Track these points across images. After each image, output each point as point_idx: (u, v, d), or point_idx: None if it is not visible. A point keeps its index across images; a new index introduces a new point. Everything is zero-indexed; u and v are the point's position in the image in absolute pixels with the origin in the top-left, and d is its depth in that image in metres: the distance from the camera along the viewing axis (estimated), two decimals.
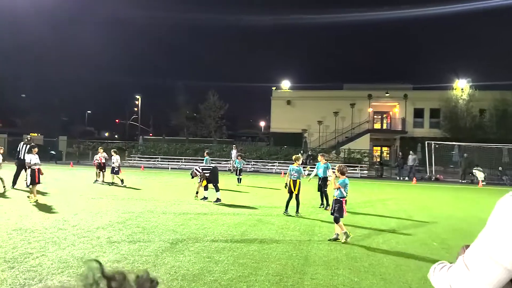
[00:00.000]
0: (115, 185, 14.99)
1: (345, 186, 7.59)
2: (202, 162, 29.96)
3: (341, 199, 7.49)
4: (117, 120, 67.68)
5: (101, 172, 15.96)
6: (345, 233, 7.19)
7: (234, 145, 27.95)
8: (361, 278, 5.17)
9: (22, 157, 12.72)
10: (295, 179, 9.79)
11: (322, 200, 11.31)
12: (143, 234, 7.14)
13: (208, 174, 11.68)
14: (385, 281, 5.10)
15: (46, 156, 26.48)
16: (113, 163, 15.44)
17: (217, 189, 11.62)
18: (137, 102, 56.20)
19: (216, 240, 6.93)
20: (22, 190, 12.37)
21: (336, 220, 7.31)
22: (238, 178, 17.56)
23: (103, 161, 16.04)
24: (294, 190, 9.78)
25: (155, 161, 29.83)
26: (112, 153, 15.69)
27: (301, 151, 30.00)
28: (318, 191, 11.48)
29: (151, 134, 56.29)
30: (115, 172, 15.34)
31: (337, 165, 8.08)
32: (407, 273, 5.49)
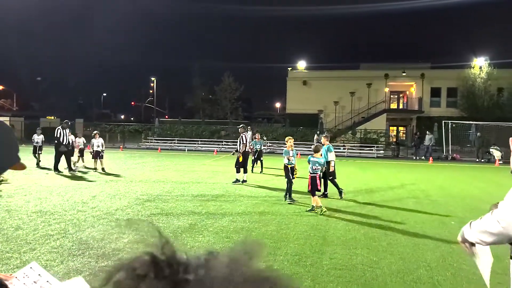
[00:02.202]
0: (97, 172, 13.68)
1: (314, 163, 8.13)
2: (219, 143, 30.38)
3: (314, 175, 7.98)
4: (132, 103, 68.37)
5: (81, 157, 14.96)
6: (320, 207, 7.74)
7: (249, 127, 28.01)
8: (380, 258, 5.21)
9: (64, 141, 13.09)
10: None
11: (325, 188, 9.72)
12: (161, 216, 7.30)
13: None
14: (404, 260, 5.13)
15: None
16: (97, 146, 14.02)
17: (246, 171, 11.80)
18: (152, 85, 56.55)
19: (235, 220, 7.04)
20: (64, 175, 12.72)
21: (312, 194, 7.93)
22: (260, 164, 15.08)
23: (81, 146, 14.93)
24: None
25: (171, 143, 30.12)
26: (95, 136, 14.42)
27: (317, 132, 29.84)
28: (321, 178, 9.82)
29: (166, 116, 56.71)
30: (100, 156, 14.00)
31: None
32: (426, 252, 5.51)
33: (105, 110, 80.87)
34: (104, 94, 75.13)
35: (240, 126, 13.04)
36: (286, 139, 9.62)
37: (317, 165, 8.18)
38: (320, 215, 7.61)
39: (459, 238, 2.01)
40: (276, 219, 7.22)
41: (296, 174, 9.33)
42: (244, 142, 12.05)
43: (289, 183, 8.99)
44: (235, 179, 11.71)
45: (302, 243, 5.79)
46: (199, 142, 29.81)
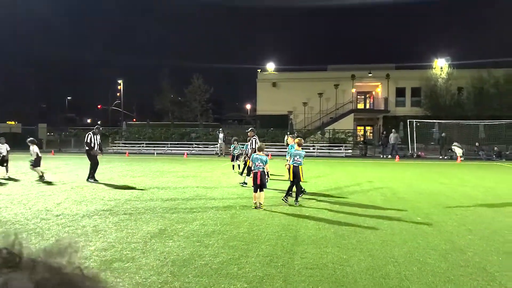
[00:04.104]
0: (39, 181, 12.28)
1: (296, 155, 8.85)
2: (189, 146, 30.06)
3: (256, 171, 8.44)
4: (99, 106, 66.45)
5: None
6: (255, 203, 8.35)
7: (220, 129, 27.88)
8: (350, 255, 5.30)
9: (96, 147, 12.83)
10: (298, 165, 8.87)
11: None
12: (130, 221, 7.12)
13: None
14: (373, 257, 5.23)
15: (25, 145, 25.93)
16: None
17: (249, 174, 11.52)
18: (119, 87, 55.23)
19: (206, 224, 6.97)
20: (103, 183, 12.15)
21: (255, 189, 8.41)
22: (232, 165, 15.71)
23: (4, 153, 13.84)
24: (297, 177, 8.92)
25: (140, 146, 29.54)
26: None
27: (287, 133, 30.09)
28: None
29: (134, 120, 55.56)
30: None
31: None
32: (393, 248, 5.64)
33: (70, 114, 78.28)
34: (69, 98, 72.63)
35: (249, 129, 12.69)
36: (296, 141, 9.33)
37: (298, 157, 8.90)
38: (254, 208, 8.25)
39: None
40: (247, 221, 7.21)
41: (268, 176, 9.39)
42: (254, 146, 11.62)
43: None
44: (243, 181, 11.53)
45: (274, 244, 5.80)
46: (169, 145, 29.39)
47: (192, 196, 9.90)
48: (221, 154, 25.97)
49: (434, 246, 5.74)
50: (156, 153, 27.61)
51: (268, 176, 9.94)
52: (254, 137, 12.04)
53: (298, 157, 8.93)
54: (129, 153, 26.77)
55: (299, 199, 8.94)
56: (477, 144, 26.32)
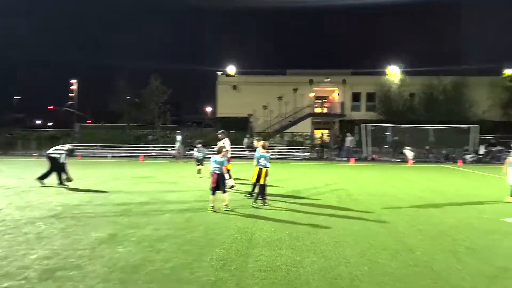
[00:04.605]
0: None
1: (265, 157, 9.03)
2: (145, 149, 29.23)
3: (214, 174, 8.41)
4: (51, 107, 63.29)
5: None
6: (212, 206, 8.26)
7: (178, 131, 27.38)
8: (303, 257, 5.31)
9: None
10: (263, 166, 9.04)
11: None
12: (78, 227, 6.76)
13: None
14: (326, 258, 5.28)
15: None
16: None
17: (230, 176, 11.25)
18: (72, 88, 52.95)
19: (159, 228, 6.75)
20: (52, 187, 11.17)
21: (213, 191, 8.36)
22: (198, 169, 14.74)
23: None
24: (262, 178, 8.96)
25: (93, 149, 28.40)
26: None
27: (247, 135, 30.15)
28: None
29: (89, 121, 53.43)
30: None
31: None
32: (346, 248, 5.73)
33: (19, 114, 73.95)
34: (17, 98, 68.54)
35: (220, 132, 12.22)
36: (261, 144, 9.47)
37: (263, 159, 9.04)
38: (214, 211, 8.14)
39: None
40: (202, 225, 7.07)
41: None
42: (228, 148, 11.42)
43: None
44: (229, 186, 11.04)
45: (228, 247, 5.71)
46: (124, 148, 28.48)
47: (146, 200, 9.60)
48: (179, 157, 25.51)
49: (385, 246, 5.89)
50: (111, 156, 26.66)
51: (229, 177, 9.97)
52: (225, 139, 11.90)
53: (263, 159, 9.08)
54: (81, 156, 25.64)
55: (257, 201, 8.99)
56: (427, 147, 27.67)
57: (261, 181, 9.10)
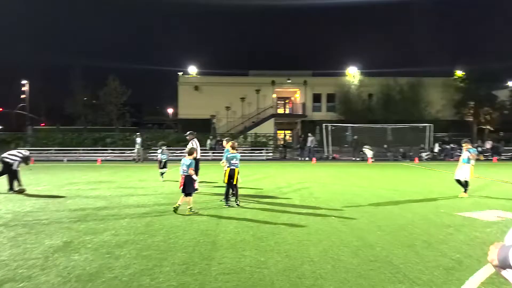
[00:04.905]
0: None
1: (232, 158, 9.06)
2: (103, 152, 28.23)
3: (188, 174, 8.27)
4: (0, 109, 59.76)
5: None
6: (177, 206, 8.18)
7: (138, 133, 26.69)
8: (267, 257, 5.28)
9: None
10: (235, 167, 9.04)
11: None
12: (30, 235, 6.37)
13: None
14: (290, 258, 5.27)
15: None
16: None
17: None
18: (24, 89, 50.30)
19: (118, 234, 6.50)
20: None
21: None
22: (161, 173, 14.12)
23: None
24: (234, 179, 9.02)
25: (48, 153, 27.10)
26: None
27: (210, 137, 29.91)
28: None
29: (43, 124, 50.98)
30: None
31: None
32: (309, 247, 5.76)
33: None
34: None
35: (188, 132, 11.91)
36: (230, 145, 9.36)
37: (234, 160, 9.05)
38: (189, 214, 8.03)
39: (495, 262, 1.66)
40: (164, 229, 6.87)
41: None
42: (198, 149, 11.15)
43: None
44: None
45: (191, 251, 5.58)
46: (81, 151, 27.41)
47: (104, 205, 9.23)
48: (139, 160, 24.86)
49: (347, 243, 5.98)
50: (67, 160, 25.55)
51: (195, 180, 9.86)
52: (194, 140, 11.67)
53: (235, 159, 9.08)
54: (34, 160, 24.34)
55: (232, 199, 9.17)
56: (385, 146, 28.65)
57: (234, 182, 9.08)
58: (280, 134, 41.92)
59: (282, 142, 36.59)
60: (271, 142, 31.54)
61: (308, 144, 27.64)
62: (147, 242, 6.01)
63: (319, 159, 26.89)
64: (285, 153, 29.59)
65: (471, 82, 35.30)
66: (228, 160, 9.16)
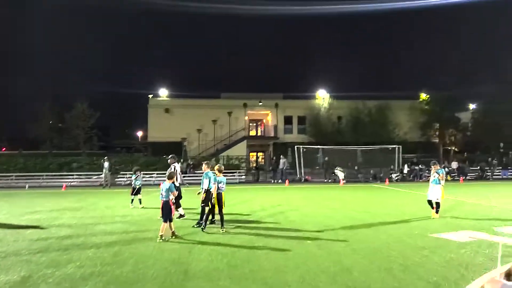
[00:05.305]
0: None
1: (220, 181, 8.83)
2: (69, 177, 27.11)
3: (167, 200, 8.06)
4: None
5: None
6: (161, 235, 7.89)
7: (105, 157, 25.87)
8: (242, 286, 5.05)
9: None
10: (221, 191, 8.83)
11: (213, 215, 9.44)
12: None
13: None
14: (267, 285, 5.07)
15: None
16: None
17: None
18: None
19: (83, 265, 6.08)
20: None
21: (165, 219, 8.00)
22: (139, 199, 13.34)
23: None
24: (221, 204, 8.78)
25: (7, 179, 25.77)
26: None
27: (181, 160, 29.37)
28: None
29: (4, 149, 48.75)
30: None
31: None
32: (287, 274, 5.57)
33: None
34: None
35: (170, 156, 11.74)
36: (216, 168, 9.14)
37: (222, 184, 8.84)
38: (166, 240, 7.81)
39: None
40: (133, 258, 6.50)
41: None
42: (179, 173, 11.14)
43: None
44: (178, 215, 10.51)
45: (162, 281, 5.26)
46: (44, 177, 26.23)
47: (69, 234, 8.71)
48: (107, 185, 23.99)
49: (324, 269, 5.83)
50: (28, 186, 24.33)
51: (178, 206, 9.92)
52: (174, 164, 11.37)
53: (222, 184, 8.87)
54: None
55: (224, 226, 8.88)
56: (356, 167, 29.05)
57: (223, 206, 8.89)
58: (253, 156, 41.86)
59: (254, 165, 36.46)
60: (243, 165, 31.35)
61: (281, 166, 27.66)
62: (114, 273, 5.64)
63: (292, 181, 26.89)
64: (258, 175, 29.44)
65: (435, 105, 36.69)
66: (216, 183, 8.83)
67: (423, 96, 38.77)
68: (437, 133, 37.80)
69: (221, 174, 9.00)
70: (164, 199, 8.04)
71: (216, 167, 9.19)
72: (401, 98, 39.39)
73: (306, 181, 27.84)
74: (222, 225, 8.83)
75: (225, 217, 9.02)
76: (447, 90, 35.64)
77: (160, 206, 8.10)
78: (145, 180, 26.61)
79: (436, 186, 10.72)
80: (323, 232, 8.67)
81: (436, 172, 10.79)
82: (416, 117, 37.18)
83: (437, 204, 10.65)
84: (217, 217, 9.27)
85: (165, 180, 8.51)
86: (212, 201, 8.91)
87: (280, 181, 26.85)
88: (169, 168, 11.20)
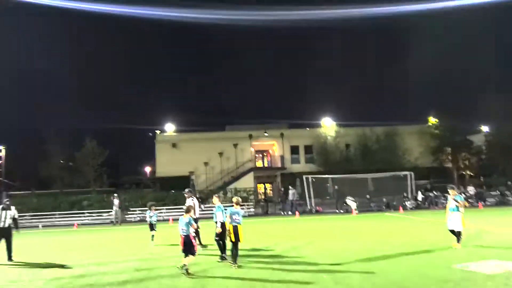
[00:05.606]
0: None
1: (234, 213, 8.70)
2: (80, 215, 26.99)
3: (187, 234, 8.01)
4: None
5: None
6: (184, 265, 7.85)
7: (115, 194, 25.91)
8: None
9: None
10: (237, 224, 8.62)
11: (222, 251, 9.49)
12: None
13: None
14: None
15: None
16: None
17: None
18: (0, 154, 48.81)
19: None
20: None
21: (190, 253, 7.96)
22: (151, 235, 13.08)
23: None
24: (237, 237, 8.56)
25: (22, 219, 25.78)
26: None
27: (197, 195, 29.22)
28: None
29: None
30: None
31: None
32: None
33: None
34: None
35: (187, 190, 11.74)
36: (234, 200, 9.17)
37: (236, 216, 8.67)
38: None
39: None
40: None
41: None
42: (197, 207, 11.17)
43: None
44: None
45: None
46: (57, 216, 26.27)
47: (82, 273, 8.60)
48: (117, 222, 23.90)
49: None
50: (42, 226, 24.33)
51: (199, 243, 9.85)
52: (192, 198, 11.37)
53: (237, 215, 8.72)
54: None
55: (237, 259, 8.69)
56: (368, 196, 28.45)
57: (240, 240, 8.67)
58: (260, 187, 41.64)
59: (263, 196, 36.19)
60: (251, 197, 31.10)
61: (290, 197, 27.33)
62: None
63: (302, 212, 26.51)
64: (267, 207, 29.07)
65: (445, 130, 36.07)
66: (231, 215, 8.71)
67: (432, 120, 38.48)
68: (449, 157, 37.04)
69: (238, 206, 8.90)
70: (185, 234, 7.95)
71: (234, 199, 9.16)
72: (408, 122, 39.13)
73: (317, 212, 27.40)
74: (235, 260, 8.62)
75: (239, 252, 8.86)
76: (456, 112, 34.80)
77: (181, 242, 7.99)
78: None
79: (454, 214, 10.24)
80: (340, 265, 8.45)
81: (454, 199, 10.41)
82: (427, 142, 36.68)
83: (459, 233, 10.17)
84: (228, 252, 9.12)
85: (182, 215, 8.35)
86: (227, 234, 8.78)
87: (290, 213, 26.48)
88: (186, 202, 11.16)
